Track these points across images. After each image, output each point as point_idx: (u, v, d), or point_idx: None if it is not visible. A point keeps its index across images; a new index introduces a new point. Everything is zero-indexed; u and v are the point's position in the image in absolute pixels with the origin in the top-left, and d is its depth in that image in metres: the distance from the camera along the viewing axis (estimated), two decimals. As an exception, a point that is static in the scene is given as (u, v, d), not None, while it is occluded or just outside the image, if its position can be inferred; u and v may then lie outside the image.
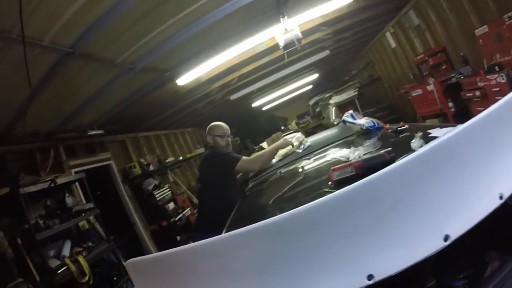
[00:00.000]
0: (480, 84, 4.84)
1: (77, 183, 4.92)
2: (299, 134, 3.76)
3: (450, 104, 5.99)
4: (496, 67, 4.73)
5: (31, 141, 4.41)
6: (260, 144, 5.92)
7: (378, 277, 0.84)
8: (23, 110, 3.39)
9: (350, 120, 3.08)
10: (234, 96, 8.77)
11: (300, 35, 4.74)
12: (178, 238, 6.52)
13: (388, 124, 2.82)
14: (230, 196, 3.06)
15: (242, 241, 0.95)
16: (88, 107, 4.43)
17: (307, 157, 2.99)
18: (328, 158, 2.58)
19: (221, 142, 3.25)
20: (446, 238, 0.87)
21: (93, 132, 5.10)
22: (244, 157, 3.14)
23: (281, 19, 4.52)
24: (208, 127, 3.32)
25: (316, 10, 4.93)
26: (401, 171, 0.90)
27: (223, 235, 1.02)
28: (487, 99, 4.61)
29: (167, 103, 6.79)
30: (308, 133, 4.57)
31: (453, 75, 5.92)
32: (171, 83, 5.27)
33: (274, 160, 3.35)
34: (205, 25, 3.75)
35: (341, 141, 3.03)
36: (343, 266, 0.87)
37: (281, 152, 3.42)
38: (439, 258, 1.02)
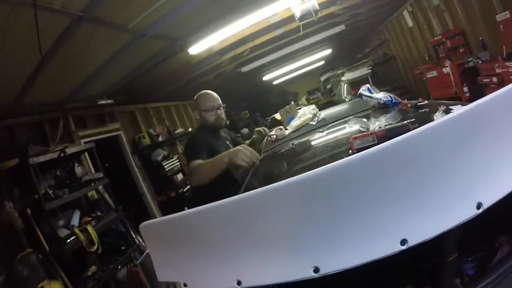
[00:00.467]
0: (498, 71, 4.77)
1: (86, 154, 4.91)
2: (313, 106, 3.70)
3: (465, 89, 5.98)
4: None
5: (40, 112, 4.36)
6: (273, 115, 5.79)
7: (412, 242, 0.78)
8: (31, 80, 3.33)
9: (367, 94, 2.97)
10: (245, 68, 8.59)
11: (317, 6, 4.53)
12: (186, 209, 6.55)
13: (406, 100, 2.77)
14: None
15: (263, 201, 0.89)
16: (98, 77, 4.32)
17: (322, 130, 2.94)
18: (346, 130, 2.53)
19: (209, 118, 2.69)
20: (479, 205, 0.82)
21: (103, 102, 5.02)
22: (195, 162, 2.35)
23: None
24: (194, 99, 2.81)
25: None
26: (438, 131, 0.84)
27: (243, 194, 0.92)
28: (504, 86, 4.56)
29: (178, 74, 6.65)
30: (320, 108, 4.53)
31: (470, 59, 5.89)
32: (183, 52, 5.10)
33: (287, 132, 3.24)
34: None
35: (357, 114, 2.93)
36: (375, 230, 0.82)
37: (295, 123, 3.32)
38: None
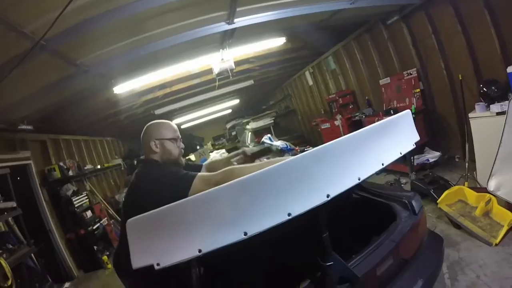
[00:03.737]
0: None
1: None
2: (223, 151, 4.35)
3: None
4: (392, 110, 6.07)
5: None
6: (189, 156, 6.27)
7: (294, 214, 1.33)
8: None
9: (269, 141, 3.75)
10: (159, 111, 9.01)
11: (233, 66, 5.34)
12: (95, 247, 6.37)
13: (297, 147, 3.60)
14: None
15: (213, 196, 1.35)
16: (29, 102, 4.37)
17: None
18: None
19: (174, 150, 2.18)
20: (328, 195, 1.38)
21: (23, 127, 4.91)
22: (199, 174, 1.95)
23: (221, 50, 5.15)
24: (149, 127, 2.18)
25: (252, 46, 5.74)
26: (300, 160, 1.45)
27: (209, 190, 1.35)
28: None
29: (96, 110, 6.82)
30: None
31: (357, 114, 7.23)
32: (108, 90, 5.46)
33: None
34: (156, 48, 4.18)
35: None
36: (274, 207, 1.34)
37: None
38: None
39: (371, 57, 7.07)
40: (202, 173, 2.00)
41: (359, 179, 1.50)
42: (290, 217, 1.30)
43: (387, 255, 1.94)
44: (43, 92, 4.23)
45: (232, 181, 1.34)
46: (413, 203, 2.27)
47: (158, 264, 1.27)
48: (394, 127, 1.83)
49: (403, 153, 1.77)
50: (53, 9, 2.57)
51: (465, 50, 4.87)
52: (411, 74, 6.07)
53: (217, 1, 3.70)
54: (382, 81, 6.83)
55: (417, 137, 1.93)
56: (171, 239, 1.32)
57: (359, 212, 2.65)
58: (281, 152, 3.57)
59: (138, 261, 1.31)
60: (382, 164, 1.64)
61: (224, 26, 4.20)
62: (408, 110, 1.96)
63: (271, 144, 3.75)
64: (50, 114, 5.65)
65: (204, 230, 1.32)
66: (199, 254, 1.27)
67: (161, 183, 1.93)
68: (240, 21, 4.23)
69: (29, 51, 2.75)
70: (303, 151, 3.36)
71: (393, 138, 1.78)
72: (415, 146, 1.89)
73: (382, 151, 1.70)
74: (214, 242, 1.28)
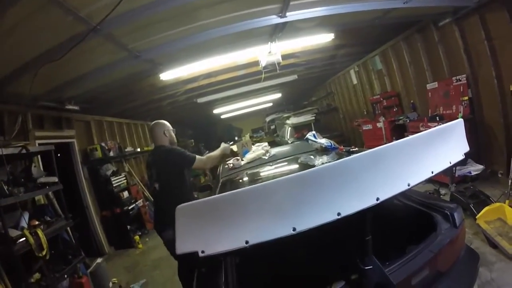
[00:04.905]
0: (421, 129, 5.69)
1: (39, 155, 4.78)
2: (265, 144, 4.27)
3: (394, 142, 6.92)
4: (437, 117, 5.76)
5: (5, 102, 4.32)
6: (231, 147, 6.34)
7: (343, 214, 1.33)
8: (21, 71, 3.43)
9: (313, 138, 3.63)
10: (201, 100, 9.02)
11: (280, 59, 5.19)
12: (129, 227, 6.51)
13: (342, 146, 3.46)
14: (190, 191, 3.34)
15: (259, 192, 1.39)
16: (78, 83, 4.45)
17: (272, 164, 3.58)
18: (294, 164, 3.21)
19: (174, 137, 3.50)
20: (377, 199, 1.38)
21: (70, 107, 5.04)
22: (198, 156, 3.35)
23: (270, 43, 5.02)
24: (159, 123, 3.43)
25: (300, 40, 5.56)
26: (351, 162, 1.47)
27: (267, 182, 1.39)
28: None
29: (141, 94, 6.88)
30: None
31: (401, 117, 6.95)
32: (155, 76, 5.48)
33: (242, 163, 3.79)
34: (206, 38, 4.11)
35: (301, 154, 3.58)
36: (324, 206, 1.36)
37: (250, 156, 3.89)
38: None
39: (419, 59, 6.72)
40: (198, 156, 3.39)
41: (408, 185, 1.48)
42: (339, 217, 1.32)
43: (424, 265, 1.91)
44: (93, 74, 4.30)
45: (291, 175, 1.37)
46: (455, 215, 2.20)
47: (202, 252, 1.31)
48: (446, 135, 1.79)
49: (452, 163, 1.73)
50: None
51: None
52: (460, 80, 5.69)
53: None
54: (429, 86, 6.48)
55: (467, 148, 1.87)
56: (219, 228, 1.36)
57: (399, 219, 2.60)
58: (326, 150, 3.41)
59: (183, 246, 1.35)
60: (432, 172, 1.61)
61: (275, 19, 4.10)
62: (461, 119, 1.90)
63: (315, 141, 3.60)
64: (96, 96, 5.76)
65: (254, 221, 1.34)
66: (246, 245, 1.30)
67: (177, 151, 3.36)
68: (292, 15, 4.11)
69: (86, 35, 2.75)
70: (349, 151, 3.18)
71: (443, 147, 1.74)
72: (464, 157, 1.83)
73: (433, 159, 1.67)
74: (262, 235, 1.31)
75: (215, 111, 12.09)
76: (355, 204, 1.36)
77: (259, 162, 3.76)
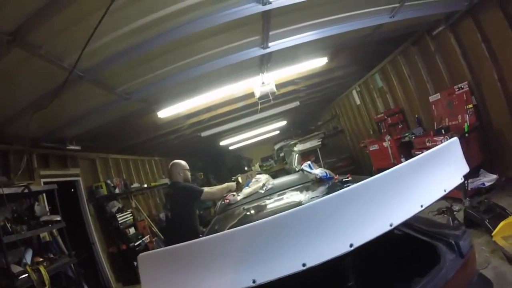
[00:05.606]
0: (428, 144, 5.57)
1: (44, 194, 4.96)
2: (266, 176, 4.24)
3: (403, 160, 6.48)
4: (443, 130, 5.58)
5: (8, 142, 4.54)
6: (237, 177, 6.46)
7: (309, 264, 1.26)
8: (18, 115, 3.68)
9: (308, 169, 3.57)
10: (205, 133, 9.24)
11: (274, 89, 5.28)
12: (135, 263, 6.55)
13: (337, 175, 3.36)
14: (196, 222, 4.07)
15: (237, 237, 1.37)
16: (75, 124, 4.70)
17: (268, 197, 3.47)
18: (283, 200, 3.13)
19: (188, 176, 4.21)
20: (351, 245, 1.29)
21: (71, 147, 5.27)
22: (205, 189, 4.04)
23: (261, 74, 5.14)
24: (175, 163, 4.12)
25: (293, 68, 5.66)
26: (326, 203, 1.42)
27: (222, 233, 1.39)
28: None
29: (144, 131, 7.16)
30: (271, 175, 5.13)
31: (406, 134, 6.79)
32: (153, 113, 5.70)
33: (238, 198, 3.77)
34: (199, 73, 4.31)
35: (298, 186, 3.52)
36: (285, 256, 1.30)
37: (246, 191, 3.89)
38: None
39: (419, 71, 6.63)
40: (206, 188, 4.09)
41: (391, 225, 1.38)
42: (304, 268, 1.24)
43: (428, 304, 1.71)
44: (88, 116, 4.56)
45: (251, 224, 1.35)
46: (461, 244, 1.98)
47: None
48: (438, 159, 1.68)
49: (448, 191, 1.62)
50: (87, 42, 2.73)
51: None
52: (462, 88, 5.53)
53: (250, 26, 3.69)
54: (432, 98, 6.32)
55: (466, 169, 1.76)
56: (180, 278, 1.35)
57: (402, 250, 2.41)
58: (320, 180, 3.39)
59: None
60: (421, 206, 1.51)
61: (258, 51, 4.22)
62: (456, 138, 1.80)
63: (310, 172, 3.59)
64: (98, 135, 6.01)
65: (214, 272, 1.32)
66: None
67: (188, 186, 4.08)
68: (275, 45, 4.23)
69: (65, 82, 2.99)
70: (342, 181, 3.18)
71: (436, 173, 1.63)
72: (463, 180, 1.72)
73: (422, 190, 1.56)
74: (222, 286, 1.29)
75: (222, 143, 12.26)
76: (322, 253, 1.28)
77: (257, 196, 3.72)
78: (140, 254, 1.37)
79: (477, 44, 5.06)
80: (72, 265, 4.86)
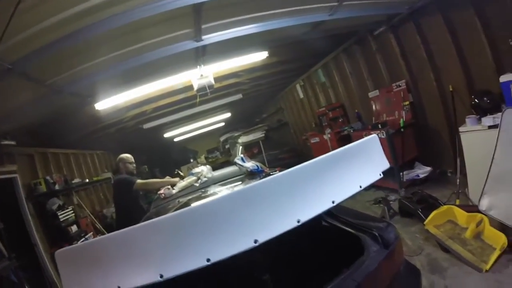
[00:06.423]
0: None
1: None
2: (206, 168, 4.36)
3: None
4: (379, 125, 6.02)
5: None
6: (178, 171, 6.51)
7: (214, 259, 1.28)
8: None
9: (240, 162, 3.71)
10: (147, 125, 9.21)
11: (213, 82, 5.37)
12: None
13: (267, 168, 3.63)
14: (136, 210, 4.40)
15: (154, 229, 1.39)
16: (8, 119, 4.55)
17: (201, 191, 3.59)
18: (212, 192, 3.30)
19: (131, 168, 4.72)
20: (255, 241, 1.30)
21: (6, 142, 5.05)
22: (139, 180, 4.54)
23: (198, 67, 5.21)
24: (120, 157, 4.72)
25: (234, 61, 5.77)
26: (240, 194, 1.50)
27: (129, 228, 1.38)
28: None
29: (82, 124, 6.99)
30: (217, 167, 5.30)
31: (346, 128, 7.27)
32: (90, 107, 5.63)
33: (174, 191, 3.91)
34: (133, 64, 4.26)
35: (233, 179, 3.70)
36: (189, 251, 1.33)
37: (181, 184, 4.05)
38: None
39: (360, 69, 7.08)
40: (140, 180, 4.53)
41: (298, 222, 1.38)
42: (209, 263, 1.27)
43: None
44: (19, 110, 4.42)
45: (155, 219, 1.39)
46: (385, 235, 1.99)
47: None
48: (356, 155, 1.71)
49: (363, 186, 1.64)
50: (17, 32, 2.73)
51: (456, 60, 4.77)
52: (400, 86, 6.03)
53: (182, 18, 3.67)
54: (371, 94, 6.82)
55: (386, 165, 1.80)
56: (95, 272, 1.40)
57: (330, 241, 2.43)
58: (251, 173, 3.61)
59: None
60: (333, 202, 1.51)
61: (192, 44, 4.19)
62: (375, 135, 1.84)
63: (242, 165, 3.79)
64: (36, 129, 5.82)
65: (124, 266, 1.35)
66: None
67: (122, 178, 4.58)
68: (209, 38, 4.20)
69: None
70: (270, 174, 3.38)
71: (353, 169, 1.66)
72: (382, 176, 1.74)
73: (336, 186, 1.58)
74: (131, 281, 1.31)
75: (166, 135, 12.20)
76: (227, 249, 1.29)
77: (191, 189, 3.81)
78: (57, 251, 1.41)
79: (416, 46, 5.43)
80: (13, 268, 4.66)
